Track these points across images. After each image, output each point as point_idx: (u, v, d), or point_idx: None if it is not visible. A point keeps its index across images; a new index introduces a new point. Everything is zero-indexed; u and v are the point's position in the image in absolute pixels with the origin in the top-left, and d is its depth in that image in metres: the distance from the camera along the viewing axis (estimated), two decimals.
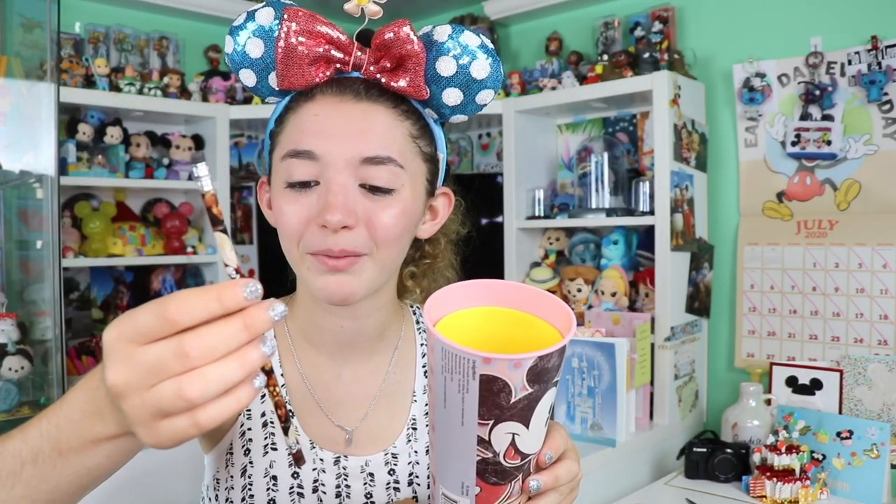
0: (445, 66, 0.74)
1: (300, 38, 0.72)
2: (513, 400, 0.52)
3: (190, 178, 2.42)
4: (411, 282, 0.95)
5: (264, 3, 0.75)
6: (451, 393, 0.53)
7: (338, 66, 0.75)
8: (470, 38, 0.75)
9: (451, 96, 0.76)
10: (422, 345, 0.91)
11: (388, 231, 0.75)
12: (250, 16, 0.75)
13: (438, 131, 0.83)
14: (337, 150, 0.73)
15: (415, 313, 0.95)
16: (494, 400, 0.52)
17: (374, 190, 0.74)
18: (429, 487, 0.86)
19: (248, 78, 0.77)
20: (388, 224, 0.74)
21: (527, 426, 0.54)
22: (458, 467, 0.57)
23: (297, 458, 0.54)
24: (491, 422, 0.53)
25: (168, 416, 0.45)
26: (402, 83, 0.74)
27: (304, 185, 0.74)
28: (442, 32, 0.75)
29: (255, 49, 0.74)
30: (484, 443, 0.54)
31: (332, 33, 0.73)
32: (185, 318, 0.44)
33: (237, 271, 0.47)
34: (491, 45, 0.76)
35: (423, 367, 0.90)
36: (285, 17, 0.71)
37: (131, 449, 0.54)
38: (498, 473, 0.56)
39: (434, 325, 0.54)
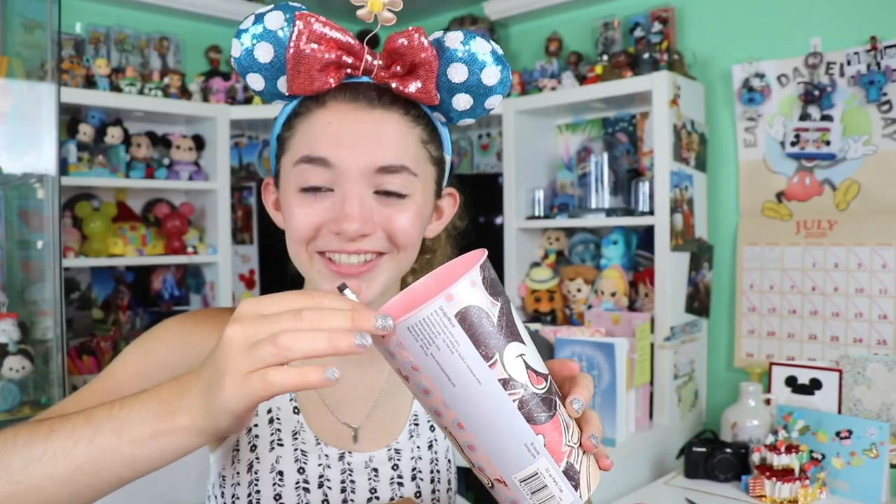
0: (457, 73, 0.75)
1: (312, 45, 0.70)
2: (496, 321, 0.52)
3: (190, 178, 2.43)
4: (412, 277, 0.96)
5: (272, 6, 0.74)
6: (446, 360, 0.51)
7: (348, 70, 0.74)
8: (481, 45, 0.75)
9: (462, 101, 0.77)
10: None
11: (406, 234, 0.77)
12: (258, 19, 0.73)
13: (445, 133, 0.83)
14: (352, 160, 0.73)
15: None
16: (483, 331, 0.51)
17: (389, 194, 0.75)
18: (433, 492, 0.87)
19: (255, 82, 0.75)
20: (406, 227, 0.76)
21: (523, 342, 0.54)
22: (508, 430, 0.54)
23: None
24: (496, 355, 0.52)
25: (255, 369, 0.51)
26: (413, 89, 0.74)
27: (317, 189, 0.74)
28: (453, 39, 0.74)
29: (264, 54, 0.73)
30: (508, 382, 0.52)
31: (343, 38, 0.72)
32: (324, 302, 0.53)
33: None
34: (501, 52, 0.76)
35: None
36: (297, 22, 0.70)
37: (184, 446, 0.56)
38: (541, 406, 0.54)
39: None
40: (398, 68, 0.74)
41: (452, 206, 0.88)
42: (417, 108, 0.78)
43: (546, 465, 0.55)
